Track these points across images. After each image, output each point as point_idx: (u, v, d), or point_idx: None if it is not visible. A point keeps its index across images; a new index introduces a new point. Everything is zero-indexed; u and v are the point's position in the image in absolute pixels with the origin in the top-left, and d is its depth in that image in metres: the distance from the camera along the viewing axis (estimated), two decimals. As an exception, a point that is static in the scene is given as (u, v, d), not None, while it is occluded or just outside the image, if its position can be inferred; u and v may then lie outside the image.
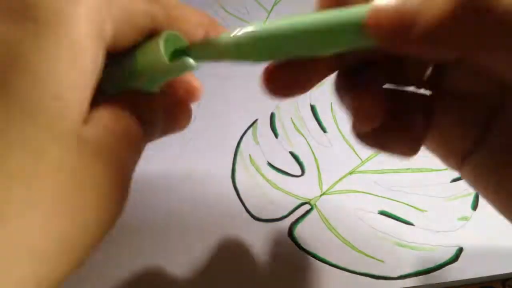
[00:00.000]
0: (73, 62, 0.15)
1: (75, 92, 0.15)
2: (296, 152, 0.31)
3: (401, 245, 0.27)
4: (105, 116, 0.16)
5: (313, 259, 0.26)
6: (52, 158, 0.14)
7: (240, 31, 0.16)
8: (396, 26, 0.13)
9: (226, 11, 0.40)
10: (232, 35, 0.16)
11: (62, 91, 0.14)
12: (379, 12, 0.14)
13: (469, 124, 0.17)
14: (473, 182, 0.18)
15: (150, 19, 0.17)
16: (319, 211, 0.28)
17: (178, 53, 0.17)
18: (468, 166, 0.18)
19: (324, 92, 0.34)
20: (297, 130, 0.32)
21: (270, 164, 0.30)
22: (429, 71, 0.18)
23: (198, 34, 0.18)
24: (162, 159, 0.30)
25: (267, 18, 0.39)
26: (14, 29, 0.14)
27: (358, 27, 0.14)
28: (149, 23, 0.17)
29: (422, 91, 0.18)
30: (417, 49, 0.14)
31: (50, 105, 0.14)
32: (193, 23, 0.18)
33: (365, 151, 0.30)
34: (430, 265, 0.26)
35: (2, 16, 0.14)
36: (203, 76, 0.34)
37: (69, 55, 0.14)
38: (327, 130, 0.32)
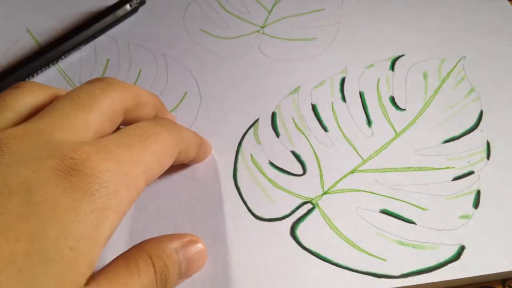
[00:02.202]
0: (98, 225, 0.17)
1: (91, 246, 0.17)
2: (298, 151, 0.31)
3: (403, 244, 0.27)
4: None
5: (315, 258, 0.26)
6: None
7: None
8: None
9: (226, 10, 0.40)
10: None
11: (80, 245, 0.17)
12: None
13: None
14: None
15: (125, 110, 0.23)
16: (321, 210, 0.28)
17: None
18: None
19: (325, 92, 0.34)
20: (299, 129, 0.32)
21: (271, 164, 0.30)
22: None
23: (152, 114, 0.25)
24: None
25: (267, 17, 0.39)
26: (65, 193, 0.17)
27: None
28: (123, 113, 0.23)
29: None
30: None
31: (66, 254, 0.16)
32: (151, 106, 0.25)
33: (367, 150, 0.31)
34: (432, 263, 0.26)
35: (65, 180, 0.17)
36: (204, 76, 0.35)
37: (97, 219, 0.17)
38: (328, 129, 0.32)
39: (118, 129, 0.23)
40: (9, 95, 0.22)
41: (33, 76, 0.34)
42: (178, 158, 0.24)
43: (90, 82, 0.23)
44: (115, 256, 0.21)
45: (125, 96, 0.23)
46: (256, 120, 0.32)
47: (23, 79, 0.33)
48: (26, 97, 0.22)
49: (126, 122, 0.24)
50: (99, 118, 0.21)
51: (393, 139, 0.31)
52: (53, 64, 0.35)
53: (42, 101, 0.22)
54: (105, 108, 0.22)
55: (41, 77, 0.35)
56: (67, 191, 0.17)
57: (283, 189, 0.29)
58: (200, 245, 0.24)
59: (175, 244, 0.23)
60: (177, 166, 0.30)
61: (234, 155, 0.30)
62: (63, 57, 0.35)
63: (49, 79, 0.35)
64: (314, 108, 0.33)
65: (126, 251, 0.21)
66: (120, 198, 0.18)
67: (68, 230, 0.17)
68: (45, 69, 0.35)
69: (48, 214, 0.16)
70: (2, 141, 0.18)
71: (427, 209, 0.28)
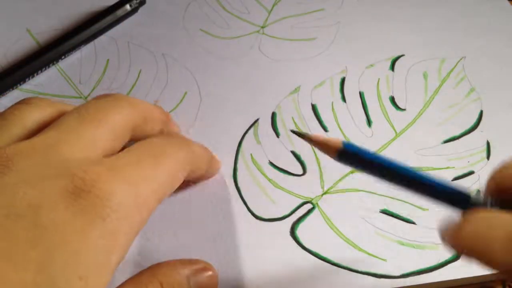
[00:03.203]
0: (108, 251, 0.17)
1: (100, 275, 0.17)
2: (298, 152, 0.31)
3: (403, 244, 0.27)
4: None
5: (315, 258, 0.26)
6: None
7: None
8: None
9: (226, 10, 0.40)
10: None
11: (90, 273, 0.16)
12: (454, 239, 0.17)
13: None
14: None
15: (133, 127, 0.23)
16: (321, 210, 0.28)
17: None
18: None
19: (325, 92, 0.34)
20: (299, 129, 0.32)
21: (271, 164, 0.30)
22: None
23: (160, 129, 0.25)
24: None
25: (267, 18, 0.39)
26: (75, 216, 0.16)
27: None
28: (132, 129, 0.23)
29: None
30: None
31: (74, 284, 0.16)
32: (158, 121, 0.25)
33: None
34: (433, 263, 0.26)
35: (74, 202, 0.17)
36: (204, 76, 0.35)
37: (107, 245, 0.17)
38: (329, 129, 0.32)
39: (125, 146, 0.23)
40: (18, 110, 0.21)
41: (33, 76, 0.34)
42: (188, 175, 0.23)
43: (98, 97, 0.23)
44: (118, 273, 0.21)
45: (133, 112, 0.23)
46: (256, 120, 0.32)
47: (23, 79, 0.33)
48: (34, 112, 0.21)
49: (134, 138, 0.23)
50: (107, 134, 0.21)
51: (393, 139, 0.31)
52: (53, 64, 0.35)
53: (50, 117, 0.22)
54: (114, 124, 0.21)
55: (41, 77, 0.34)
56: (77, 215, 0.16)
57: (283, 189, 0.29)
58: (211, 273, 0.24)
59: (186, 271, 0.22)
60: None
61: (234, 155, 0.30)
62: (63, 57, 0.35)
63: (49, 79, 0.35)
64: (314, 108, 0.33)
65: (136, 275, 0.21)
66: (131, 221, 0.18)
67: (77, 257, 0.16)
68: (45, 69, 0.35)
69: (57, 239, 0.16)
70: (8, 158, 0.18)
71: (427, 209, 0.28)
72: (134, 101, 0.23)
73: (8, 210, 0.16)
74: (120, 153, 0.20)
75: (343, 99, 0.33)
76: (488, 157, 0.30)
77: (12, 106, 0.22)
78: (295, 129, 0.32)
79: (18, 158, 0.18)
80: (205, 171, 0.27)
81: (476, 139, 0.31)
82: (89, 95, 0.34)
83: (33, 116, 0.21)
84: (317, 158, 0.30)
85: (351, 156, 0.20)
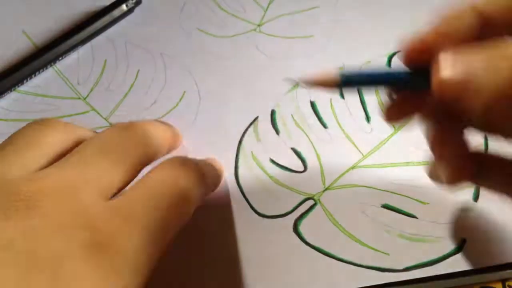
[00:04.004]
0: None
1: None
2: (298, 148, 0.31)
3: (405, 238, 0.27)
4: None
5: (319, 253, 0.26)
6: None
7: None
8: (458, 100, 0.17)
9: (222, 9, 0.40)
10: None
11: None
12: (443, 85, 0.17)
13: None
14: None
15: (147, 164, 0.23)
16: (323, 206, 0.28)
17: None
18: None
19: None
20: (298, 126, 0.32)
21: (272, 161, 0.30)
22: None
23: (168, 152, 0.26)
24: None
25: (263, 16, 0.39)
26: (93, 270, 0.17)
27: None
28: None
29: None
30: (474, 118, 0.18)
31: None
32: (167, 147, 0.25)
33: (366, 146, 0.31)
34: (435, 256, 0.26)
35: (93, 256, 0.17)
36: (203, 75, 0.35)
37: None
38: (328, 125, 0.32)
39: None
40: (37, 131, 0.21)
41: (30, 78, 0.34)
42: None
43: (119, 130, 0.23)
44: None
45: (149, 150, 0.23)
46: (256, 118, 0.32)
47: (21, 81, 0.33)
48: (52, 137, 0.21)
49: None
50: (126, 175, 0.21)
51: (392, 134, 0.32)
52: (51, 65, 0.35)
53: (67, 142, 0.22)
54: (133, 164, 0.22)
55: (39, 79, 0.34)
56: (95, 269, 0.17)
57: (285, 186, 0.29)
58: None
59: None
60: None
61: (234, 153, 0.31)
62: (60, 58, 0.35)
63: (47, 81, 0.34)
64: (313, 105, 0.33)
65: None
66: (142, 273, 0.18)
67: None
68: (43, 71, 0.35)
69: None
70: (32, 198, 0.18)
71: (428, 203, 0.28)
72: (149, 138, 0.23)
73: (32, 262, 0.16)
74: (136, 191, 0.20)
75: (342, 95, 0.34)
76: (486, 150, 0.31)
77: (30, 127, 0.22)
78: (294, 126, 0.32)
79: (40, 198, 0.18)
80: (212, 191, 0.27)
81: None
82: (87, 96, 0.34)
83: (52, 141, 0.21)
84: (317, 155, 0.30)
85: (350, 81, 0.22)
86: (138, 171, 0.22)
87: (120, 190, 0.21)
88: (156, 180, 0.21)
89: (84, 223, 0.18)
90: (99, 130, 0.31)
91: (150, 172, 0.22)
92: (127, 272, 0.18)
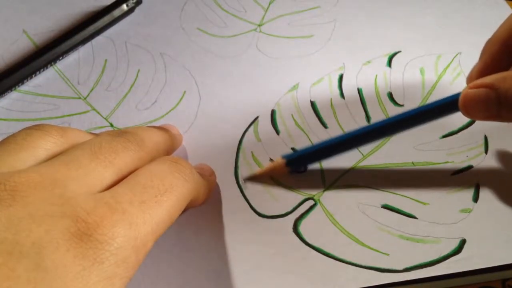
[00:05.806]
0: None
1: None
2: (298, 149, 0.31)
3: (405, 238, 0.27)
4: None
5: (319, 253, 0.26)
6: None
7: None
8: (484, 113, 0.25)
9: (223, 9, 0.40)
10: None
11: None
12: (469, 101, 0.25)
13: None
14: None
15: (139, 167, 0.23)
16: (323, 206, 0.28)
17: None
18: None
19: (323, 89, 0.34)
20: (298, 126, 0.32)
21: (272, 161, 0.30)
22: None
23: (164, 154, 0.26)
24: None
25: (264, 16, 0.39)
26: (75, 259, 0.17)
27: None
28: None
29: None
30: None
31: None
32: (164, 151, 0.26)
33: (366, 147, 0.31)
34: (435, 257, 0.26)
35: (76, 245, 0.17)
36: (203, 75, 0.35)
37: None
38: (328, 125, 0.32)
39: None
40: (30, 135, 0.21)
41: (31, 78, 0.34)
42: (187, 205, 0.24)
43: (112, 135, 0.23)
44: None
45: (143, 154, 0.23)
46: (256, 118, 0.32)
47: (21, 81, 0.33)
48: (44, 140, 0.21)
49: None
50: (115, 175, 0.21)
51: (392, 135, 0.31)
52: (51, 65, 0.35)
53: (61, 146, 0.22)
54: (123, 166, 0.22)
55: (39, 79, 0.34)
56: (77, 258, 0.17)
57: (285, 186, 0.29)
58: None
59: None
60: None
61: (235, 153, 0.31)
62: (60, 58, 0.35)
63: (47, 81, 0.34)
64: (313, 105, 0.33)
65: None
66: (128, 264, 0.18)
67: None
68: (43, 70, 0.35)
69: (57, 282, 0.16)
70: (17, 188, 0.18)
71: (428, 204, 0.28)
72: (144, 142, 0.24)
73: (12, 247, 0.16)
74: (123, 186, 0.20)
75: (342, 95, 0.34)
76: (486, 151, 0.31)
77: (24, 131, 0.22)
78: (295, 126, 0.32)
79: (25, 189, 0.18)
80: (202, 201, 0.27)
81: (474, 134, 0.32)
82: (88, 95, 0.34)
83: (44, 145, 0.21)
84: (317, 155, 0.30)
85: (298, 161, 0.28)
86: (130, 173, 0.22)
87: (108, 188, 0.21)
88: (143, 173, 0.21)
89: (68, 212, 0.18)
90: (99, 130, 0.31)
91: (140, 168, 0.22)
92: (112, 262, 0.17)
